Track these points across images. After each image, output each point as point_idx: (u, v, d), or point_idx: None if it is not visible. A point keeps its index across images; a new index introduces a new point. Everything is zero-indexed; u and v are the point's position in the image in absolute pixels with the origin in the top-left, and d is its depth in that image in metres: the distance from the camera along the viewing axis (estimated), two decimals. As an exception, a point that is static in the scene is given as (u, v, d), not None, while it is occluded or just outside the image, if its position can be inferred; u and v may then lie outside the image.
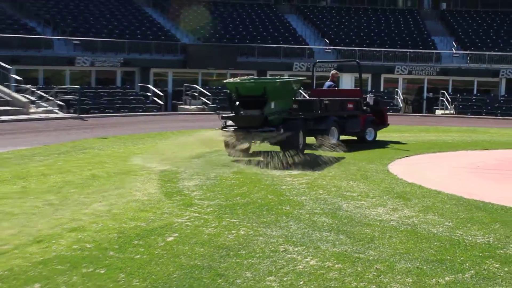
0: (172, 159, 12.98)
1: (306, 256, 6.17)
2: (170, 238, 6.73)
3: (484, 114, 38.61)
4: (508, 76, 42.73)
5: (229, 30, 44.12)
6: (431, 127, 26.26)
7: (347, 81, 42.18)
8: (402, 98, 41.78)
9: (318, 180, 10.63)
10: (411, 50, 43.82)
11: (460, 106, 39.65)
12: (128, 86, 37.35)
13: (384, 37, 46.34)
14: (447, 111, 39.80)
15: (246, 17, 46.22)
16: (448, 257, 6.22)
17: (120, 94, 34.91)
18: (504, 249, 6.52)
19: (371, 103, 18.80)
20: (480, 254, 6.33)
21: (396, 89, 42.31)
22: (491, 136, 21.58)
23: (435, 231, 7.19)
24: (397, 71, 42.48)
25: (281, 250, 6.36)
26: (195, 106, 35.68)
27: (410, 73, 42.62)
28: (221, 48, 40.44)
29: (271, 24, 45.95)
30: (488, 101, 40.44)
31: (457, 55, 45.53)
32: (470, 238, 6.91)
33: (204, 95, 36.44)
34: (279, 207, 8.33)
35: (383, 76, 42.75)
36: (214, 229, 7.12)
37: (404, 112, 40.81)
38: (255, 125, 13.53)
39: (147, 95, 36.19)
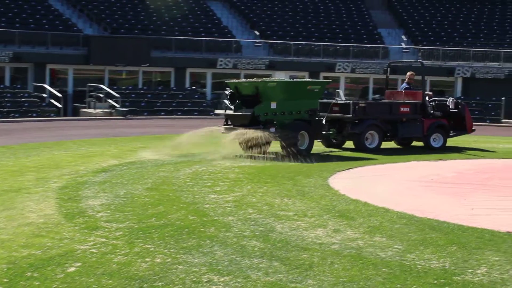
0: (74, 173, 12.81)
1: (234, 287, 6.18)
2: (72, 269, 6.63)
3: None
4: (464, 75, 44.02)
5: (141, 20, 43.88)
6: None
7: (281, 80, 42.44)
8: (344, 99, 42.38)
9: (247, 197, 10.67)
10: (355, 45, 44.60)
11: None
12: (19, 86, 36.63)
13: (324, 30, 47.01)
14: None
15: (162, 4, 46.05)
16: (399, 285, 6.34)
17: (9, 95, 34.22)
18: (462, 276, 6.70)
19: (452, 107, 20.48)
20: (435, 282, 6.47)
21: (338, 90, 42.91)
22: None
23: (383, 256, 7.32)
24: (339, 69, 43.14)
25: (205, 280, 6.35)
26: (101, 110, 35.29)
27: (353, 71, 43.34)
28: (131, 41, 40.17)
29: (191, 12, 45.95)
30: (441, 103, 41.49)
31: (407, 50, 46.63)
32: (423, 263, 7.07)
33: (112, 97, 36.09)
34: (202, 229, 8.32)
35: (322, 74, 43.31)
36: (124, 256, 7.06)
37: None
38: (245, 123, 16.97)
39: (43, 96, 35.59)
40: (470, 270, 6.86)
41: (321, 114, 18.43)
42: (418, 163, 16.43)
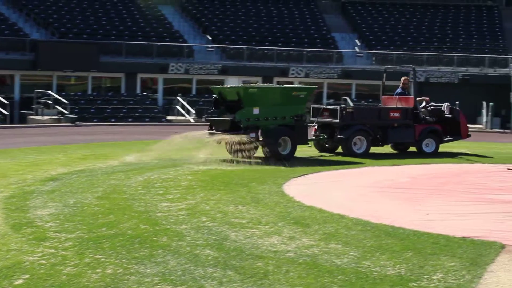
0: (21, 182, 12.64)
1: (188, 297, 6.16)
2: (19, 281, 6.54)
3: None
4: (418, 79, 44.39)
5: (90, 24, 43.56)
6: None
7: (233, 85, 42.52)
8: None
9: (200, 204, 10.65)
10: (308, 49, 44.86)
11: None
12: (-38, 93, 36.08)
13: (277, 34, 47.20)
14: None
15: (111, 8, 45.79)
16: (354, 292, 6.38)
17: (-48, 102, 33.65)
18: (418, 282, 6.76)
19: (447, 112, 20.80)
20: (391, 288, 6.54)
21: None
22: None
23: (339, 263, 7.35)
24: (292, 74, 43.32)
25: (157, 291, 6.31)
26: (49, 117, 34.92)
27: (307, 75, 43.56)
28: (80, 45, 39.86)
29: (142, 17, 45.75)
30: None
31: (361, 54, 47.07)
32: (379, 270, 7.12)
33: (60, 103, 35.73)
34: (154, 238, 8.28)
35: (276, 79, 43.45)
36: (74, 268, 6.98)
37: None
38: (225, 129, 17.73)
39: (-13, 103, 35.07)
40: (426, 276, 6.93)
41: (311, 119, 19.65)
42: (372, 169, 16.57)
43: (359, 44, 48.20)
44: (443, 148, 21.04)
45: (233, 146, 17.37)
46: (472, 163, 18.40)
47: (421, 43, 48.17)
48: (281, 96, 18.61)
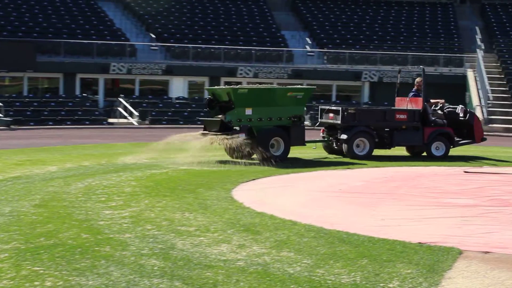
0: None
1: (133, 310, 6.12)
2: (-49, 296, 6.42)
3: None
4: (371, 79, 44.96)
5: (26, 21, 43.04)
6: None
7: (178, 85, 42.51)
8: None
9: (145, 212, 10.60)
10: (257, 48, 44.96)
11: (316, 116, 41.03)
12: None
13: (224, 32, 47.20)
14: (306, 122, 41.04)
15: (48, 4, 45.31)
16: (308, 302, 6.41)
17: None
18: (373, 290, 6.82)
19: (461, 115, 20.95)
20: (346, 297, 6.57)
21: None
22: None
23: (292, 271, 7.37)
24: (240, 74, 43.37)
25: (100, 304, 6.26)
26: (-18, 120, 34.40)
27: (256, 75, 43.62)
28: (14, 44, 39.32)
29: (80, 13, 45.35)
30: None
31: (312, 53, 47.32)
32: (334, 278, 7.16)
33: (-7, 106, 35.25)
34: (96, 248, 8.21)
35: (223, 79, 43.46)
36: (11, 281, 6.89)
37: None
38: (216, 129, 18.65)
39: None
40: (381, 284, 6.99)
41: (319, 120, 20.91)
42: (325, 173, 16.67)
43: (310, 42, 48.44)
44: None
45: (229, 147, 18.39)
46: (427, 166, 18.61)
47: (374, 41, 48.58)
48: (276, 97, 19.38)
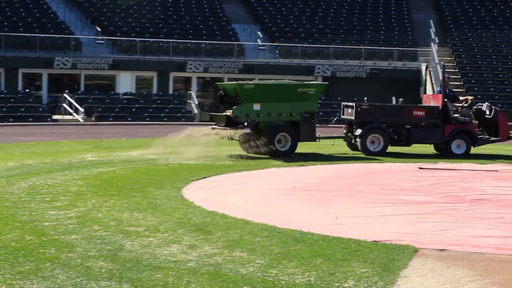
0: None
1: (80, 314, 6.07)
2: None
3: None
4: (324, 74, 45.17)
5: (-35, 14, 42.43)
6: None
7: (125, 81, 42.28)
8: (197, 102, 42.60)
9: (92, 212, 10.52)
10: (207, 42, 44.90)
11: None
12: None
13: (173, 25, 47.06)
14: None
15: (-12, -4, 44.73)
16: (261, 303, 6.42)
17: None
18: (328, 290, 6.86)
19: (487, 112, 21.05)
20: (300, 298, 6.59)
21: (189, 92, 43.05)
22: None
23: (244, 272, 7.38)
24: (190, 68, 43.29)
25: (46, 308, 6.20)
26: None
27: (206, 70, 43.62)
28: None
29: (22, 5, 44.82)
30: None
31: (264, 48, 47.38)
32: (287, 278, 7.18)
33: None
34: (41, 250, 8.13)
35: (172, 74, 43.36)
36: (-50, 285, 6.79)
37: (200, 121, 41.57)
38: (222, 124, 19.76)
39: None
40: (336, 284, 7.03)
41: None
42: (278, 170, 16.71)
43: (261, 36, 48.52)
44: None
45: (244, 142, 19.68)
46: (382, 162, 18.77)
47: (327, 35, 48.82)
48: (285, 93, 20.04)
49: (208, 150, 19.23)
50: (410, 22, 52.13)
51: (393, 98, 34.59)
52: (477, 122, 21.77)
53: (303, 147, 20.99)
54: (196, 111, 41.83)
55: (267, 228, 9.49)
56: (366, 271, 7.47)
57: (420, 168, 17.33)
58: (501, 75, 45.40)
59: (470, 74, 44.59)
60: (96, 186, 13.21)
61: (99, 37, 44.45)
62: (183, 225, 9.65)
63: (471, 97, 22.12)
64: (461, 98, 21.75)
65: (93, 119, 38.14)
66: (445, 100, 20.92)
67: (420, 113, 20.91)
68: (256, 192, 13.13)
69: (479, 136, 21.30)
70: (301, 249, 8.37)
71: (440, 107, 20.84)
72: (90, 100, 39.81)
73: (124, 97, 41.34)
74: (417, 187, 14.05)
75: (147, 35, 44.67)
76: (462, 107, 21.38)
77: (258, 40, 48.23)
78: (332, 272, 7.42)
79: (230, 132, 19.31)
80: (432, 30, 48.34)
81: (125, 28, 45.22)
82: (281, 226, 9.58)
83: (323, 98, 43.30)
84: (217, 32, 47.28)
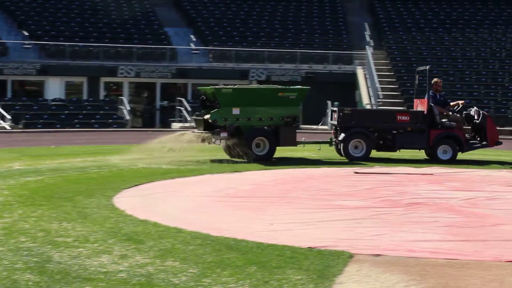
0: None
1: (5, 329, 5.98)
2: None
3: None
4: (259, 78, 45.31)
5: None
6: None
7: (54, 86, 41.83)
8: (129, 108, 42.34)
9: (19, 222, 10.37)
10: (139, 46, 44.67)
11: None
12: None
13: (103, 29, 46.73)
14: (187, 124, 41.06)
15: None
16: (194, 314, 6.41)
17: None
18: (262, 298, 6.87)
19: (476, 117, 20.91)
20: (234, 307, 6.61)
21: (121, 97, 42.77)
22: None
23: (177, 282, 7.35)
24: (121, 73, 43.04)
25: (-31, 324, 6.09)
26: None
27: (138, 75, 43.41)
28: None
29: None
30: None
31: (197, 51, 47.34)
32: (221, 287, 7.18)
33: None
34: (-35, 264, 7.99)
35: (103, 79, 43.03)
36: None
37: (132, 127, 41.39)
38: (201, 128, 20.44)
39: None
40: (271, 292, 7.05)
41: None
42: (212, 176, 16.69)
43: (194, 40, 48.45)
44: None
45: (226, 147, 20.25)
46: (318, 167, 18.89)
47: (261, 38, 49.02)
48: (265, 97, 20.60)
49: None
50: (345, 25, 52.61)
51: (329, 102, 35.00)
52: (470, 127, 21.74)
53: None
54: (128, 117, 41.56)
55: (200, 236, 9.47)
56: (301, 278, 7.50)
57: (356, 172, 17.49)
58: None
59: (405, 78, 45.10)
60: (23, 196, 13.02)
61: (26, 42, 43.87)
62: (114, 235, 9.58)
63: (462, 102, 22.14)
64: (452, 103, 21.66)
65: (20, 126, 37.61)
66: (431, 104, 20.92)
67: (404, 117, 21.00)
68: (189, 200, 13.10)
69: (471, 142, 21.29)
70: (235, 257, 8.37)
71: (425, 112, 20.86)
72: (18, 107, 39.28)
73: (53, 103, 40.87)
74: (353, 192, 14.17)
75: (76, 39, 44.27)
76: (453, 111, 21.35)
77: (191, 44, 48.15)
78: (267, 280, 7.43)
79: (207, 136, 19.99)
80: (367, 33, 48.82)
81: (53, 32, 44.76)
82: (214, 234, 9.58)
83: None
84: (149, 36, 47.06)
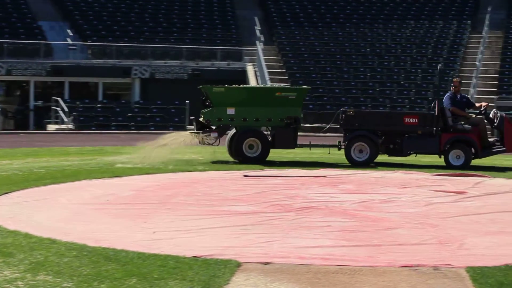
0: None
1: None
2: None
3: (113, 128, 40.14)
4: (142, 76, 45.09)
5: None
6: (42, 149, 26.47)
7: None
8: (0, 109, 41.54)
9: None
10: (9, 41, 43.84)
11: (81, 118, 40.70)
12: None
13: (-30, 22, 45.64)
14: (63, 126, 40.55)
15: None
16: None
17: None
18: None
19: (495, 120, 20.44)
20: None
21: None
22: (104, 156, 22.43)
23: (49, 297, 7.24)
24: (-8, 71, 42.17)
25: None
26: None
27: (9, 73, 42.59)
28: None
29: None
30: (118, 110, 42.15)
31: (75, 47, 46.72)
32: (97, 302, 7.10)
33: None
34: None
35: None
36: None
37: (4, 129, 40.60)
38: (197, 128, 20.94)
39: None
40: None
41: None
42: (90, 182, 16.47)
43: (71, 34, 47.75)
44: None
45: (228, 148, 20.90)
46: (203, 171, 18.89)
47: (144, 33, 48.75)
48: (261, 97, 21.14)
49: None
50: (234, 19, 52.75)
51: None
52: (499, 130, 21.11)
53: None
54: (-1, 118, 40.84)
55: (76, 247, 9.33)
56: (184, 290, 7.49)
57: (245, 176, 17.56)
58: (329, 75, 46.65)
59: (297, 75, 45.63)
60: None
61: None
62: (-25, 247, 9.37)
63: (486, 103, 21.48)
64: (476, 104, 21.35)
65: None
66: (442, 106, 20.59)
67: (413, 120, 20.66)
68: (64, 208, 12.89)
69: (496, 147, 20.77)
70: (113, 268, 8.29)
71: (436, 114, 20.50)
72: None
73: None
74: (242, 196, 14.23)
75: None
76: (480, 113, 21.04)
77: (68, 39, 47.40)
78: (149, 293, 7.40)
79: (199, 136, 20.46)
80: (257, 27, 49.06)
81: None
82: (92, 245, 9.46)
83: (141, 101, 43.26)
84: (21, 30, 46.20)
